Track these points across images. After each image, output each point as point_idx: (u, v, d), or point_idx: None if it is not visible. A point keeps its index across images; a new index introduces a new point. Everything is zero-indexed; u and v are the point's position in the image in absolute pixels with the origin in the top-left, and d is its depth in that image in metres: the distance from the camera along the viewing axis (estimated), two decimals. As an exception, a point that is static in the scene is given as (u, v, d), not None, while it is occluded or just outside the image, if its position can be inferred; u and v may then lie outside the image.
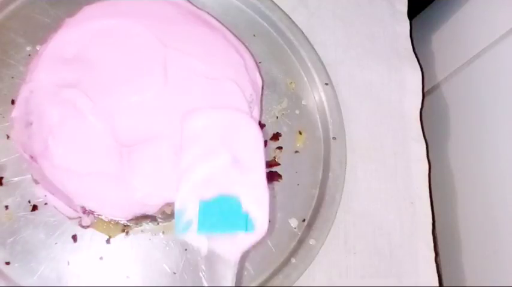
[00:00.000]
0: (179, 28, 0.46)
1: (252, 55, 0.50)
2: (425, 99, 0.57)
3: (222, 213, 0.37)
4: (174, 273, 0.43)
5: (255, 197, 0.38)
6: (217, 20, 0.49)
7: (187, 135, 0.39)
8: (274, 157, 0.49)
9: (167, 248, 0.44)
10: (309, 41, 0.54)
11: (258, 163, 0.39)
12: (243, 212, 0.37)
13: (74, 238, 0.43)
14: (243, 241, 0.37)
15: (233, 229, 0.36)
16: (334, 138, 0.51)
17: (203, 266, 0.36)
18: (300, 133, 0.51)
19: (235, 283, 0.36)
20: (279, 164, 0.49)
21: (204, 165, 0.38)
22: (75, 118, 0.41)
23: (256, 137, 0.40)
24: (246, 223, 0.37)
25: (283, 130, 0.51)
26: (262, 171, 0.39)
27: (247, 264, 0.45)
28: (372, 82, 0.56)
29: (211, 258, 0.36)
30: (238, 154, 0.39)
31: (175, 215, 0.37)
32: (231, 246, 0.36)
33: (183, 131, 0.40)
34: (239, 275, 0.40)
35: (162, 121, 0.42)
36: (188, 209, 0.37)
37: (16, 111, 0.42)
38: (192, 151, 0.39)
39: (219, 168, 0.38)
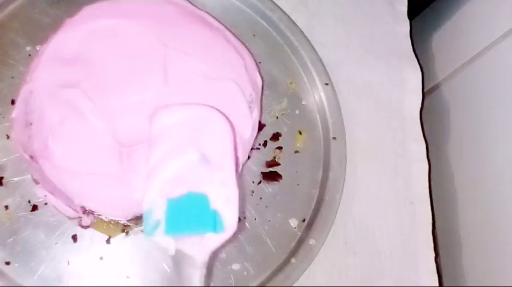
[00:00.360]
0: (179, 28, 0.46)
1: (252, 55, 0.50)
2: (425, 99, 0.57)
3: (190, 213, 0.36)
4: (174, 273, 0.43)
5: (224, 196, 0.36)
6: (217, 20, 0.49)
7: (156, 132, 0.38)
8: (274, 157, 0.49)
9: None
10: (309, 41, 0.54)
11: (227, 161, 0.38)
12: (211, 210, 0.36)
13: (74, 238, 0.43)
14: (212, 240, 0.35)
15: (201, 229, 0.35)
16: (334, 138, 0.51)
17: (171, 267, 0.35)
18: (300, 133, 0.51)
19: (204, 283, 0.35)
20: (279, 164, 0.49)
21: (172, 163, 0.37)
22: (75, 118, 0.41)
23: (226, 134, 0.39)
24: (214, 223, 0.35)
25: (283, 130, 0.51)
26: (232, 169, 0.38)
27: (247, 264, 0.45)
28: (371, 82, 0.56)
29: (178, 259, 0.35)
30: (207, 152, 0.38)
31: (144, 216, 0.36)
32: (200, 246, 0.35)
33: (151, 128, 0.39)
34: (208, 276, 0.39)
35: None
36: (156, 209, 0.36)
37: (16, 112, 0.42)
38: (160, 148, 0.38)
39: (188, 166, 0.37)
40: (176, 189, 0.37)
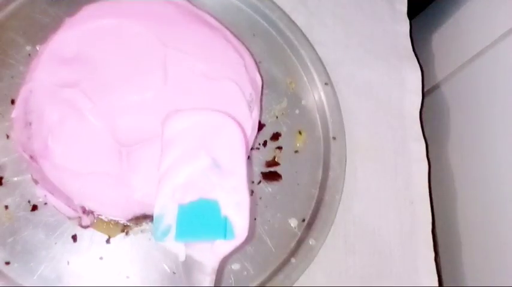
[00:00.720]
0: (179, 28, 0.46)
1: (252, 55, 0.50)
2: (425, 99, 0.57)
3: (200, 219, 0.36)
4: (174, 273, 0.43)
5: (235, 202, 0.36)
6: (217, 19, 0.49)
7: (167, 137, 0.38)
8: (274, 157, 0.49)
9: (167, 248, 0.44)
10: (308, 41, 0.54)
11: (239, 167, 0.38)
12: (222, 217, 0.36)
13: (74, 237, 0.43)
14: (222, 247, 0.35)
15: (212, 236, 0.35)
16: (334, 138, 0.51)
17: (181, 273, 0.35)
18: (300, 133, 0.51)
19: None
20: (279, 164, 0.49)
21: (183, 168, 0.37)
22: (74, 118, 0.41)
23: (238, 140, 0.39)
24: (225, 229, 0.35)
25: (283, 130, 0.51)
26: (243, 175, 0.37)
27: (247, 264, 0.45)
28: (371, 82, 0.56)
29: (189, 265, 0.35)
30: (218, 157, 0.38)
31: (154, 221, 0.36)
32: (210, 253, 0.35)
33: (163, 133, 0.38)
34: (218, 282, 0.39)
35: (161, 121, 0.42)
36: (167, 214, 0.36)
37: (16, 111, 0.42)
38: (172, 153, 0.38)
39: (199, 171, 0.37)
40: (187, 195, 0.36)
